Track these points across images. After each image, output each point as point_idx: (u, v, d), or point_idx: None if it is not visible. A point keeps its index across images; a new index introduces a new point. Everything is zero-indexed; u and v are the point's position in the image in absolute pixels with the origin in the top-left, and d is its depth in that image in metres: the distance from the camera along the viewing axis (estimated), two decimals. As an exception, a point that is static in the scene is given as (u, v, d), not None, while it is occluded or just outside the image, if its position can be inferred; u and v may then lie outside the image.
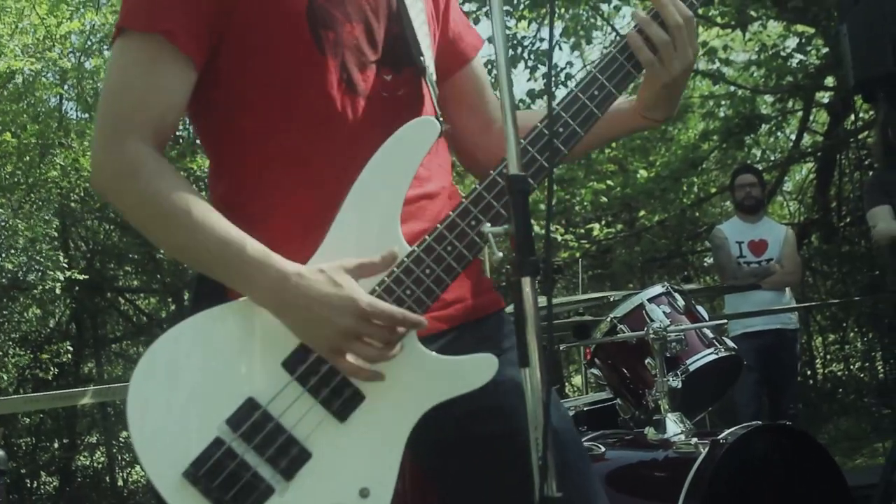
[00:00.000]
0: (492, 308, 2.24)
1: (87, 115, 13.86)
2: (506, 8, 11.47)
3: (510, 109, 1.77)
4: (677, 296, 4.40)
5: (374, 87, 2.09)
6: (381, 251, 1.94)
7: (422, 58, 2.15)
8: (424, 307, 1.94)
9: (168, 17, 1.97)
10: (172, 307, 16.75)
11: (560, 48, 12.30)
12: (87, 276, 13.81)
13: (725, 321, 6.89)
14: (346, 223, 1.97)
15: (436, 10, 2.31)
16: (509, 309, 1.93)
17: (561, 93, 17.30)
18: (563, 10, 11.79)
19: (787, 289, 7.62)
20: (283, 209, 2.04)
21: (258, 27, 2.02)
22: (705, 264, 16.16)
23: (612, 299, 4.96)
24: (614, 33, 14.49)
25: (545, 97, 11.72)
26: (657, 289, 4.43)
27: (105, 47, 13.22)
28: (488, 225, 1.93)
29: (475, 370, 1.95)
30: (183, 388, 1.92)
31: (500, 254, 1.87)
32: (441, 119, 2.11)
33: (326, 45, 2.04)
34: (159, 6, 1.98)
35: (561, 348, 5.31)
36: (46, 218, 12.81)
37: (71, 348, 14.75)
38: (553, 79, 11.96)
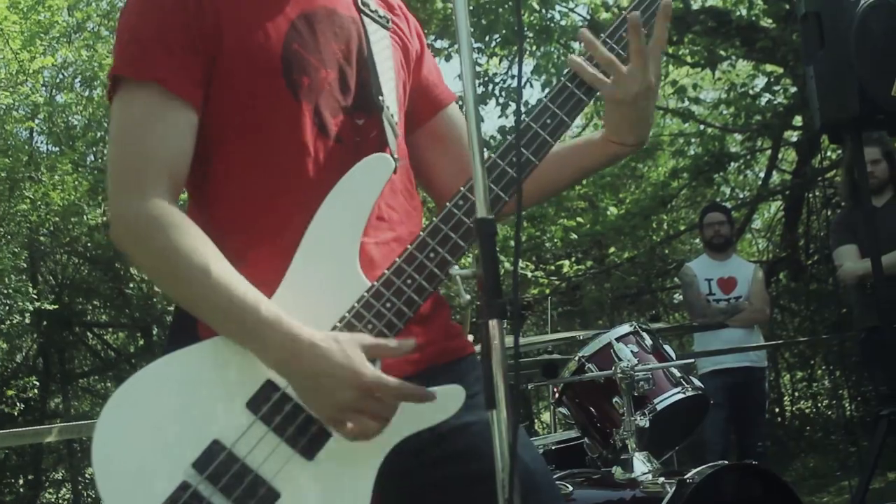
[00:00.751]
0: (462, 352, 2.25)
1: (57, 149, 13.82)
2: (478, 45, 11.54)
3: (478, 151, 1.79)
4: (645, 335, 4.42)
5: (346, 132, 2.11)
6: (340, 287, 1.96)
7: (381, 97, 2.17)
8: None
9: (160, 63, 1.99)
10: (141, 342, 16.68)
11: (531, 85, 12.35)
12: (55, 306, 13.73)
13: (693, 360, 6.92)
14: (305, 261, 1.98)
15: (406, 60, 2.34)
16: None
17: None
18: (534, 47, 11.85)
19: (756, 326, 7.66)
20: (255, 249, 2.05)
21: (236, 71, 2.04)
22: (675, 301, 16.23)
23: (580, 338, 4.97)
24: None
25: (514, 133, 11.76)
26: (625, 328, 4.45)
27: (77, 81, 13.22)
28: (456, 267, 1.95)
29: (442, 400, 1.94)
30: (150, 431, 1.90)
31: (468, 296, 1.89)
32: (396, 157, 2.12)
33: (301, 90, 2.06)
34: (150, 53, 2.00)
35: (529, 387, 5.32)
36: (15, 250, 12.74)
37: (38, 383, 14.63)
38: (523, 115, 11.99)
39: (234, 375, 1.94)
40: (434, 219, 2.00)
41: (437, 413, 1.95)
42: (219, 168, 2.08)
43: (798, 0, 4.47)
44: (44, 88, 13.08)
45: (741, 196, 16.30)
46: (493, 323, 1.73)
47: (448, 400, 1.94)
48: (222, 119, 2.06)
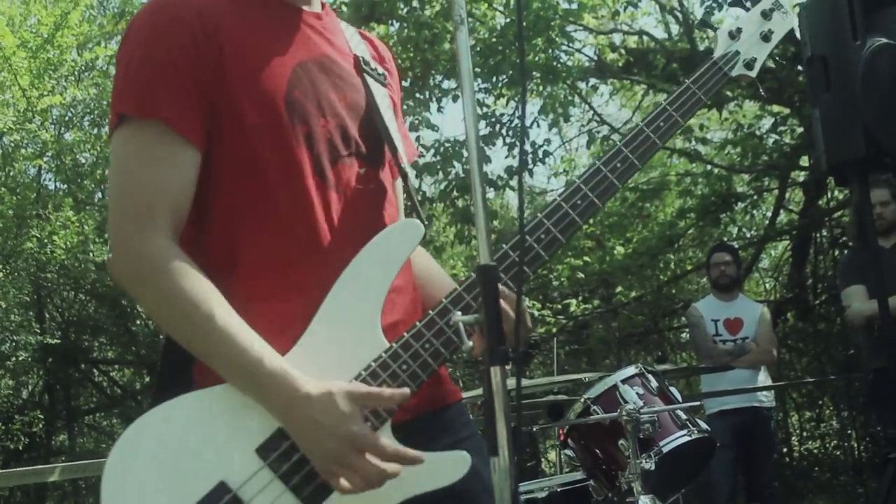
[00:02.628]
0: (450, 398, 2.28)
1: (65, 187, 13.85)
2: (485, 85, 11.55)
3: (481, 199, 1.79)
4: (651, 377, 4.40)
5: (346, 181, 2.13)
6: (360, 345, 1.98)
7: (398, 152, 2.20)
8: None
9: (163, 102, 2.00)
10: (147, 380, 16.64)
11: (538, 125, 12.38)
12: (59, 341, 13.72)
13: (699, 402, 6.89)
14: (328, 316, 2.00)
15: (396, 115, 2.37)
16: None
17: (538, 170, 17.34)
18: (540, 87, 11.88)
19: (763, 367, 7.63)
20: (252, 290, 2.05)
21: (238, 114, 2.05)
22: (682, 340, 16.18)
23: (585, 380, 4.96)
24: (591, 111, 14.64)
25: (517, 175, 11.86)
26: (630, 370, 4.44)
27: (86, 120, 13.25)
28: (458, 314, 1.95)
29: (449, 467, 1.97)
30: (158, 471, 1.93)
31: (470, 343, 1.90)
32: (424, 221, 2.14)
33: (301, 137, 2.07)
34: (152, 92, 2.01)
35: (535, 429, 5.30)
36: (20, 286, 12.76)
37: (43, 419, 14.60)
38: (530, 156, 12.03)
39: (247, 421, 1.96)
40: (457, 287, 2.04)
41: (443, 478, 1.97)
42: (218, 208, 2.09)
43: (804, 43, 4.46)
44: (52, 126, 13.13)
45: (748, 235, 16.28)
46: (495, 370, 1.73)
47: (455, 465, 1.97)
48: (223, 160, 2.07)
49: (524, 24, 10.24)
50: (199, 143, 2.04)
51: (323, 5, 2.32)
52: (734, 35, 2.44)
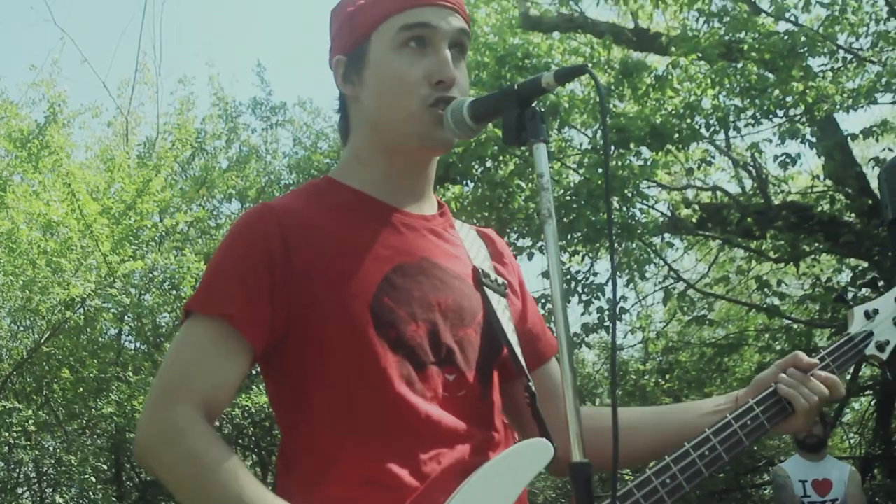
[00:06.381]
0: None
1: (144, 349, 14.01)
2: (560, 243, 11.58)
3: (573, 402, 1.79)
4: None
5: (434, 387, 2.12)
6: None
7: (517, 359, 2.24)
8: None
9: (232, 302, 2.04)
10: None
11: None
12: (135, 504, 13.70)
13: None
14: None
15: (517, 319, 2.39)
16: None
17: (616, 327, 17.26)
18: (616, 244, 11.91)
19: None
20: (342, 493, 2.04)
21: (325, 320, 2.08)
22: (764, 498, 15.79)
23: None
24: (667, 267, 14.60)
25: (608, 326, 11.81)
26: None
27: (165, 284, 13.46)
28: None
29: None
30: None
31: None
32: (554, 443, 2.13)
33: (388, 342, 2.08)
34: (225, 293, 2.06)
35: None
36: (97, 451, 12.82)
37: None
38: (607, 312, 11.99)
39: None
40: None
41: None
42: (309, 416, 2.10)
43: (885, 205, 4.45)
44: (133, 290, 13.34)
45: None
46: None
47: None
48: (308, 375, 2.10)
49: (599, 182, 10.32)
50: (257, 345, 2.06)
51: (440, 204, 2.37)
52: (870, 315, 2.57)
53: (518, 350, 2.27)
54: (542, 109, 1.94)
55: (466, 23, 2.29)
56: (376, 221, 2.21)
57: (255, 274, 2.05)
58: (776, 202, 12.99)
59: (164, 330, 14.09)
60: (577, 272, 12.71)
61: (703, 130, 11.53)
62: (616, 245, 11.59)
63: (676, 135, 10.93)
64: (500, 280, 2.36)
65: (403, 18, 2.21)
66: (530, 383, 2.23)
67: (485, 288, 2.28)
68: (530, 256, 11.93)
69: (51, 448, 12.98)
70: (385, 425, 2.05)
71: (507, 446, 2.19)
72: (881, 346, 2.51)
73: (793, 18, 12.05)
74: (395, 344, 2.08)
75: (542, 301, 11.23)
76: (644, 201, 12.03)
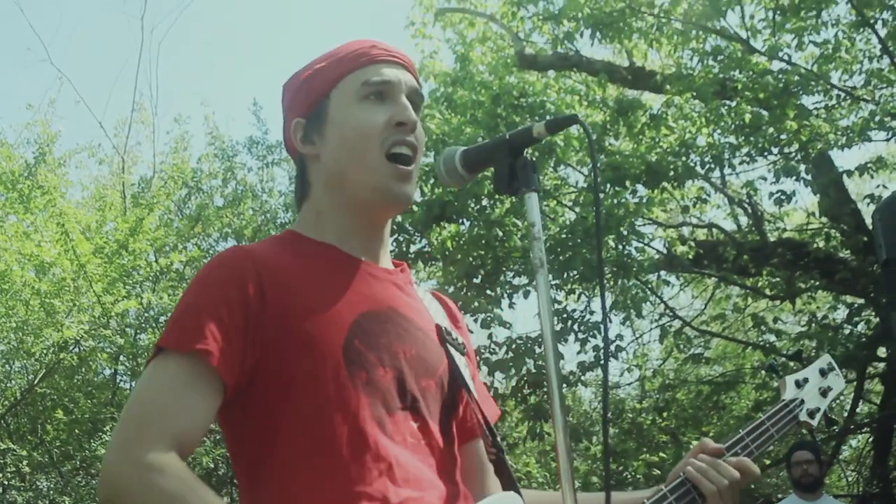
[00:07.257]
0: None
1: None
2: (555, 282, 11.58)
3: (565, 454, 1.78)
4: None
5: (402, 432, 2.11)
6: None
7: (487, 420, 2.28)
8: None
9: (207, 339, 2.01)
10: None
11: (609, 321, 12.33)
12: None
13: None
14: None
15: (474, 376, 2.41)
16: None
17: (611, 365, 17.25)
18: (611, 282, 11.88)
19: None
20: None
21: (296, 358, 2.07)
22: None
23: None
24: (663, 305, 14.58)
25: (599, 369, 11.82)
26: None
27: (161, 322, 13.43)
28: None
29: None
30: None
31: None
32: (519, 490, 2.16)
33: (359, 384, 2.08)
34: (200, 329, 2.02)
35: None
36: (91, 492, 12.76)
37: None
38: (602, 351, 11.95)
39: None
40: None
41: None
42: (276, 452, 2.07)
43: (878, 245, 4.45)
44: (128, 329, 13.32)
45: (828, 429, 15.93)
46: None
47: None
48: (277, 410, 2.07)
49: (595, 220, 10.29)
50: (229, 381, 2.03)
51: (396, 264, 2.40)
52: (800, 384, 2.69)
53: (482, 406, 2.30)
54: (534, 159, 1.94)
55: (418, 83, 2.36)
56: (345, 269, 2.23)
57: (229, 311, 2.04)
58: (772, 239, 13.00)
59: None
60: (573, 311, 12.69)
61: (698, 168, 11.57)
62: (612, 283, 11.58)
63: (672, 172, 10.96)
64: (460, 340, 2.38)
65: (364, 74, 2.28)
66: (497, 438, 2.26)
67: (447, 345, 2.30)
68: (526, 295, 11.91)
69: (45, 489, 12.93)
70: (355, 465, 2.03)
71: (470, 502, 2.19)
72: (811, 413, 2.62)
73: (786, 57, 12.11)
74: (366, 386, 2.08)
75: (538, 341, 11.22)
76: (640, 239, 12.02)
